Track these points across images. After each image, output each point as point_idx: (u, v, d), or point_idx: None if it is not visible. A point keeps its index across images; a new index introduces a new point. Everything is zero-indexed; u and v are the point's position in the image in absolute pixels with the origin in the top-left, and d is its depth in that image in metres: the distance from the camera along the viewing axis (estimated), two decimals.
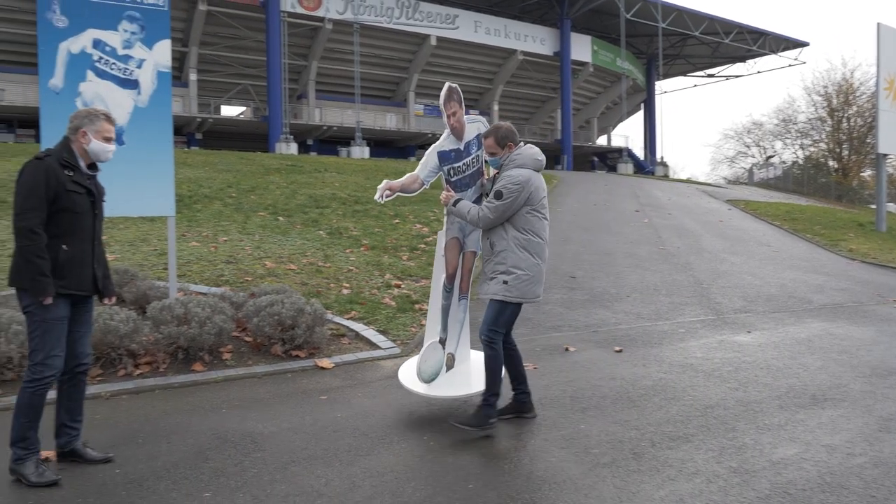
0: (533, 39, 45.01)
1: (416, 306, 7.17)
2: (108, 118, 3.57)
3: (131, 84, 5.47)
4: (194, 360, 5.24)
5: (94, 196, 3.52)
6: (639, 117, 57.99)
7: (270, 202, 12.28)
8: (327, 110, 39.64)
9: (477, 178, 4.43)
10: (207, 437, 3.94)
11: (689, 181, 39.18)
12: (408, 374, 4.49)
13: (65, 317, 3.38)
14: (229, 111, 41.72)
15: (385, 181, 4.36)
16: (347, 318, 6.61)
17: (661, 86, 55.12)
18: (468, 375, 4.51)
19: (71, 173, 3.38)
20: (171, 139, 5.80)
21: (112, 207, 5.56)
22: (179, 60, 35.61)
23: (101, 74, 5.38)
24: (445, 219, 4.48)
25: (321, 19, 36.91)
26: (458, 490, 3.27)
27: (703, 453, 3.71)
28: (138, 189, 5.51)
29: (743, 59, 52.26)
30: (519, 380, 4.29)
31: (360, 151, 33.73)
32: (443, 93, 4.32)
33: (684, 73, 57.43)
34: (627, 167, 45.07)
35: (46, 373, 3.31)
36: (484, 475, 3.44)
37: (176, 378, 5.01)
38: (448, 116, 4.32)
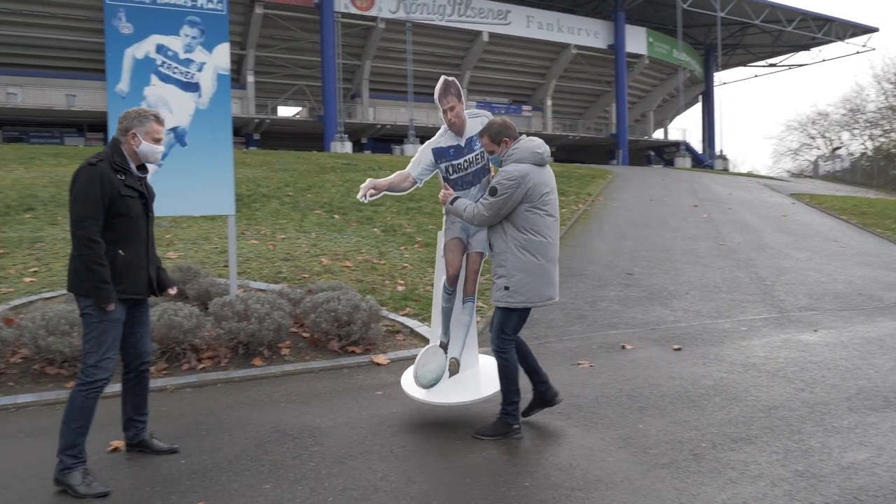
0: (586, 33, 44.37)
1: None
2: (158, 119, 3.55)
3: (192, 87, 5.63)
4: (254, 354, 5.37)
5: (146, 198, 3.53)
6: (697, 110, 56.60)
7: (326, 200, 12.47)
8: (381, 109, 40.01)
9: (482, 175, 4.24)
10: (267, 430, 4.03)
11: (749, 175, 38.02)
12: (409, 379, 4.28)
13: (121, 319, 3.39)
14: (285, 112, 42.57)
15: (369, 180, 4.19)
16: (402, 315, 6.66)
17: (719, 77, 53.74)
18: (476, 380, 4.34)
19: (123, 177, 3.38)
20: (231, 140, 5.95)
21: (175, 207, 5.79)
22: (237, 63, 36.49)
23: (165, 78, 5.55)
24: (445, 218, 4.32)
25: (374, 19, 37.26)
26: (514, 487, 3.25)
27: (768, 456, 3.60)
28: (200, 189, 5.67)
29: (807, 48, 50.33)
30: (532, 371, 4.12)
31: (414, 149, 33.87)
32: (438, 86, 4.14)
33: (744, 64, 55.68)
34: (685, 161, 44.02)
35: (99, 375, 3.29)
36: (539, 473, 3.42)
37: (237, 372, 5.15)
38: (445, 111, 4.15)
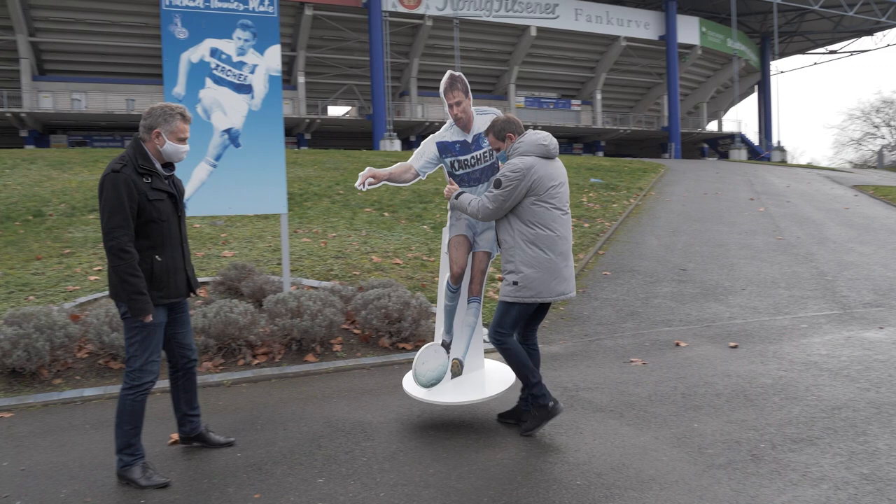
0: (636, 24, 43.55)
1: None
2: (184, 116, 3.41)
3: (245, 89, 5.75)
4: (307, 351, 5.47)
5: (176, 197, 3.44)
6: (752, 100, 54.96)
7: (376, 198, 12.59)
8: (429, 106, 40.13)
9: (491, 173, 4.14)
10: (320, 425, 4.10)
11: (809, 166, 36.72)
12: (410, 377, 4.20)
13: (162, 323, 3.38)
14: (335, 111, 43.13)
15: (369, 168, 4.15)
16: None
17: (776, 65, 52.16)
18: (481, 382, 4.24)
19: (149, 180, 3.28)
20: (283, 140, 6.06)
21: (229, 206, 5.94)
22: (288, 64, 37.14)
23: (219, 81, 5.69)
24: (449, 214, 4.24)
25: (421, 17, 37.38)
26: (567, 486, 3.23)
27: (830, 458, 3.47)
28: (253, 188, 5.80)
29: (870, 33, 48.28)
30: (527, 385, 3.91)
31: None
32: (444, 81, 4.07)
33: (802, 51, 53.79)
34: (740, 153, 42.81)
35: (145, 378, 3.32)
36: (590, 472, 3.38)
37: (290, 368, 5.25)
38: (451, 106, 4.09)
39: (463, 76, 4.14)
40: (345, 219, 10.73)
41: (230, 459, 3.58)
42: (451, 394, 4.09)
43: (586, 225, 11.40)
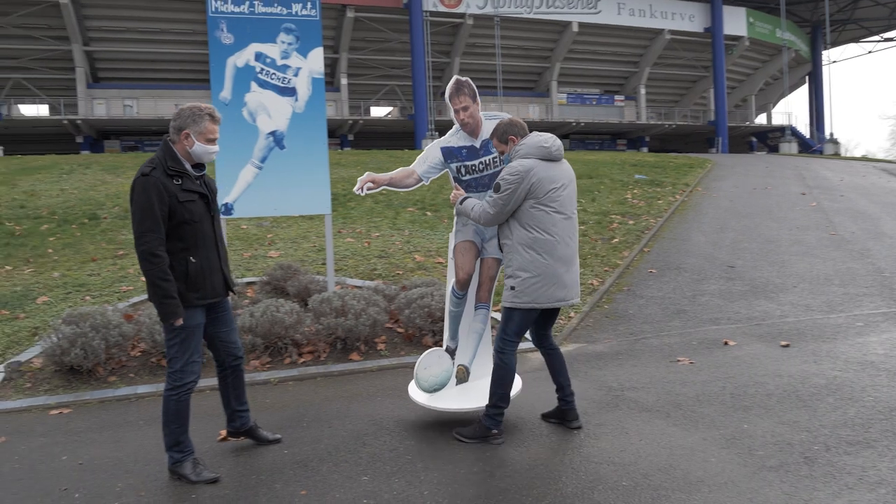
0: (681, 17, 42.71)
1: None
2: (213, 117, 3.38)
3: (289, 92, 5.85)
4: (351, 349, 5.53)
5: (208, 197, 3.42)
6: (803, 92, 53.35)
7: (418, 198, 12.64)
8: None
9: None
10: (365, 423, 4.14)
11: (864, 159, 35.43)
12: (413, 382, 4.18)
13: (201, 324, 3.39)
14: (377, 112, 43.47)
15: (368, 173, 4.14)
16: (495, 311, 6.65)
17: (828, 55, 50.51)
18: (486, 389, 4.05)
19: (180, 181, 3.27)
20: (326, 141, 6.14)
21: (275, 207, 6.04)
22: (331, 66, 37.59)
23: (263, 84, 5.80)
24: (456, 219, 4.20)
25: (462, 15, 37.39)
26: (612, 485, 3.19)
27: (889, 461, 3.35)
28: (298, 189, 5.89)
29: None
30: (559, 385, 3.95)
31: None
32: (450, 86, 4.04)
33: (856, 40, 51.97)
34: (791, 146, 41.61)
35: (187, 379, 3.35)
36: (638, 472, 3.33)
37: (335, 367, 5.31)
38: (457, 111, 4.05)
39: (470, 81, 4.09)
40: (388, 218, 10.80)
41: (277, 456, 3.64)
42: (455, 400, 4.05)
43: (631, 222, 11.24)
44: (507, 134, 3.83)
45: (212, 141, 3.36)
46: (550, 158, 3.76)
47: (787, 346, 5.66)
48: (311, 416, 4.31)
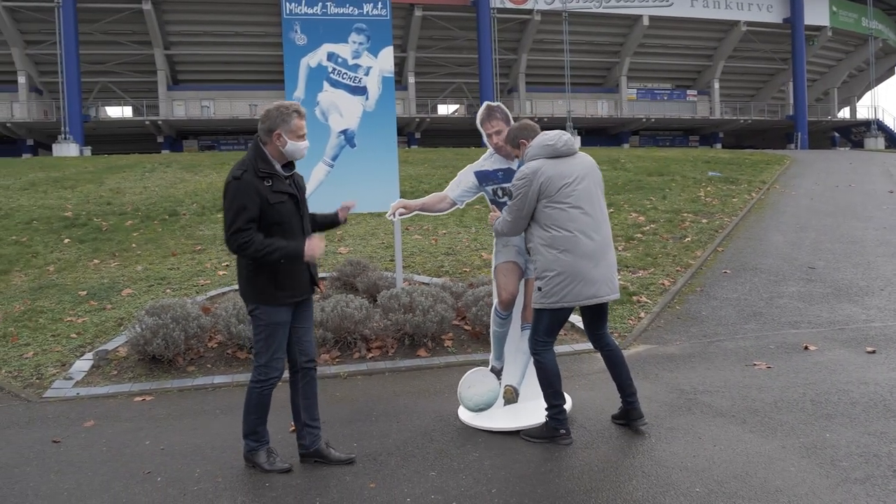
0: (758, 7, 41.14)
1: (634, 298, 6.94)
2: (300, 113, 3.38)
3: (360, 91, 5.94)
4: (419, 346, 5.58)
5: (297, 197, 3.42)
6: (891, 84, 50.58)
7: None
8: (538, 102, 39.88)
9: None
10: (432, 418, 4.18)
11: None
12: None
13: (287, 322, 3.41)
14: (444, 110, 43.67)
15: (400, 200, 4.21)
16: None
17: None
18: (538, 409, 3.91)
19: (270, 183, 3.28)
20: (395, 139, 6.21)
21: None
22: (399, 65, 38.00)
23: (335, 84, 5.91)
24: (495, 241, 4.16)
25: (530, 11, 37.15)
26: (684, 491, 3.11)
27: None
28: (368, 187, 5.97)
29: None
30: (619, 385, 3.85)
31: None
32: (481, 111, 4.03)
33: None
34: (877, 142, 39.56)
35: (271, 374, 3.40)
36: (711, 479, 3.24)
37: (403, 362, 5.38)
38: (490, 135, 4.03)
39: (502, 105, 4.12)
40: (454, 216, 10.84)
41: (347, 449, 3.70)
42: (504, 420, 3.99)
43: (704, 221, 10.91)
44: (517, 138, 3.84)
45: (302, 137, 3.37)
46: (558, 155, 3.72)
47: (873, 352, 5.37)
48: (380, 410, 4.38)
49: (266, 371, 3.40)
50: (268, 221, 3.28)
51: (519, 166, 3.90)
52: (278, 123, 3.31)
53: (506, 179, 4.09)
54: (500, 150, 4.08)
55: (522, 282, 4.14)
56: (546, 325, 3.73)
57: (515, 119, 4.16)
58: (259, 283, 3.35)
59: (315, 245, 3.37)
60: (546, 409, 3.78)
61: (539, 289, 3.66)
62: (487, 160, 4.16)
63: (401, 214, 4.24)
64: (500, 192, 4.14)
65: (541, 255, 3.66)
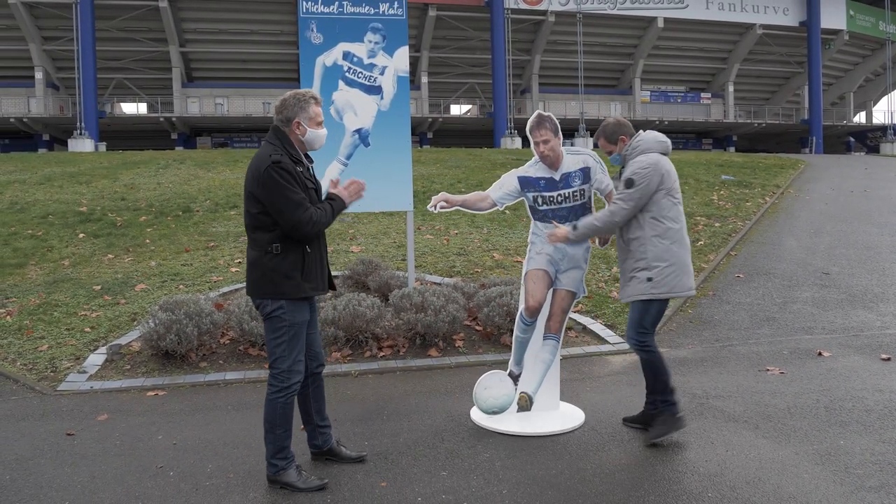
0: (774, 10, 40.84)
1: None
2: (316, 100, 3.28)
3: (375, 90, 5.94)
4: (430, 345, 5.58)
5: (318, 189, 3.34)
6: None
7: None
8: (550, 103, 39.76)
9: (580, 213, 4.05)
10: (443, 418, 4.18)
11: None
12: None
13: (307, 320, 3.28)
14: (457, 110, 43.66)
15: (443, 193, 4.20)
16: (574, 312, 6.56)
17: None
18: (550, 419, 4.03)
19: (301, 169, 3.20)
20: (409, 139, 6.22)
21: (358, 204, 6.08)
22: (412, 65, 37.97)
23: (350, 83, 5.92)
24: (529, 247, 4.15)
25: (544, 12, 37.07)
26: (697, 496, 3.09)
27: None
28: (381, 186, 5.96)
29: None
30: (654, 389, 3.85)
31: (584, 143, 33.33)
32: (532, 119, 4.03)
33: None
34: (893, 147, 39.21)
35: (294, 379, 3.22)
36: (723, 484, 3.22)
37: (414, 361, 5.38)
38: (537, 143, 4.01)
39: (552, 116, 4.10)
40: (467, 216, 10.83)
41: (359, 448, 3.71)
42: (516, 424, 3.98)
43: (717, 224, 10.85)
44: (616, 134, 3.86)
45: (320, 125, 3.27)
46: (666, 153, 3.87)
47: (888, 359, 5.33)
48: (391, 409, 4.38)
49: (289, 377, 3.21)
50: None
51: (614, 162, 3.98)
52: (297, 112, 3.21)
53: (547, 189, 4.08)
54: (546, 158, 4.06)
55: (550, 291, 4.12)
56: (654, 316, 3.80)
57: (525, 120, 4.15)
58: (281, 276, 3.14)
59: (355, 187, 3.32)
60: (661, 397, 3.81)
61: (649, 279, 3.71)
62: (532, 167, 4.14)
63: (442, 207, 4.22)
64: (539, 200, 4.11)
65: (652, 246, 3.72)
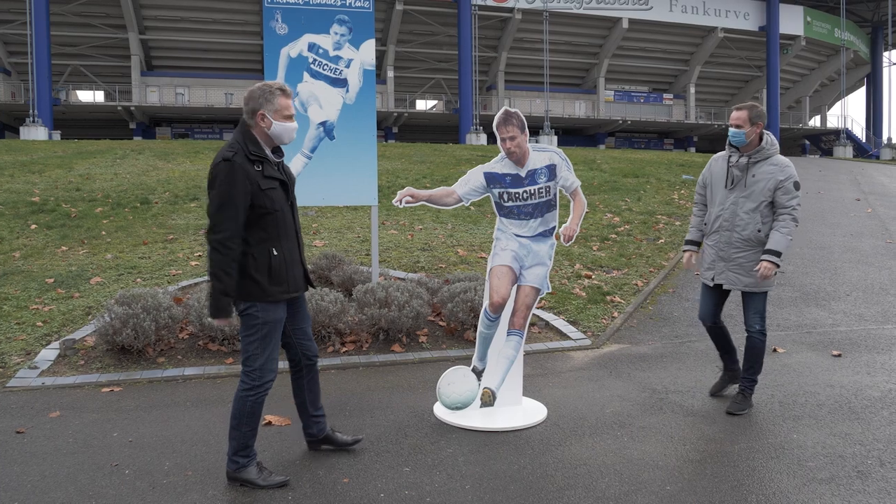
0: (735, 14, 41.70)
1: (608, 298, 7.00)
2: (285, 92, 3.15)
3: (341, 83, 5.88)
4: (393, 341, 5.56)
5: (287, 185, 3.24)
6: (860, 94, 51.60)
7: None
8: (516, 100, 39.95)
9: (545, 210, 4.09)
10: (406, 414, 4.16)
11: None
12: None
13: (282, 320, 3.22)
14: (422, 105, 43.56)
15: (408, 188, 4.18)
16: (537, 308, 6.60)
17: (888, 57, 48.67)
18: (512, 415, 4.05)
19: (260, 167, 3.07)
20: (375, 133, 6.17)
21: (322, 197, 6.09)
22: (378, 59, 37.76)
23: (315, 75, 5.84)
24: (495, 243, 4.17)
25: (511, 10, 37.19)
26: (656, 491, 3.14)
27: None
28: (345, 180, 5.92)
29: None
30: (754, 371, 4.27)
31: (548, 140, 33.59)
32: (499, 115, 4.03)
33: None
34: (846, 150, 40.41)
35: (266, 378, 3.17)
36: (683, 478, 3.28)
37: (377, 357, 5.35)
38: (504, 140, 4.02)
39: (519, 112, 4.09)
40: (431, 212, 10.81)
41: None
42: (479, 420, 3.99)
43: (677, 223, 11.04)
44: (759, 118, 4.11)
45: (289, 118, 3.15)
46: None
47: (839, 355, 5.49)
48: (354, 405, 4.35)
49: (261, 375, 3.14)
50: (259, 209, 3.05)
51: (734, 138, 4.13)
52: (262, 104, 3.09)
53: (512, 185, 4.08)
54: (512, 155, 4.06)
55: (514, 287, 4.13)
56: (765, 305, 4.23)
57: (494, 117, 4.15)
58: (248, 279, 3.08)
59: (222, 321, 3.11)
60: (752, 379, 4.24)
61: (777, 273, 4.08)
62: (498, 163, 4.13)
63: (407, 202, 4.17)
64: (504, 196, 4.11)
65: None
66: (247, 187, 3.01)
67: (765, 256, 4.01)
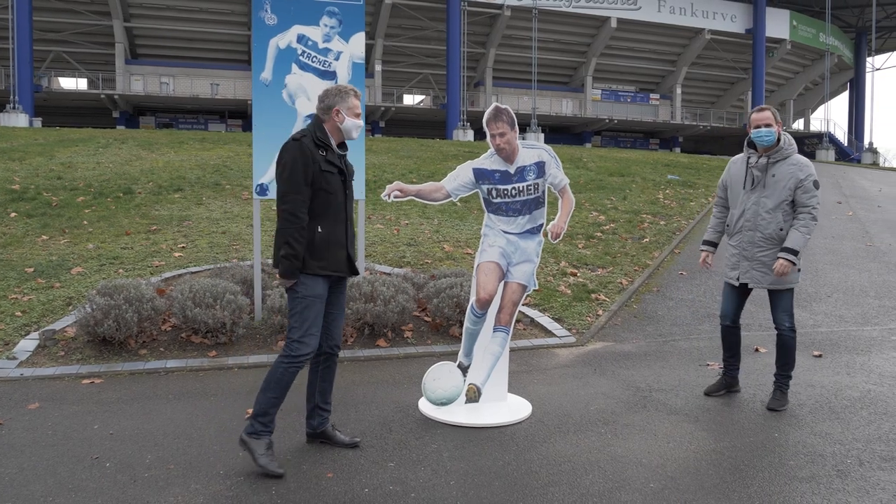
0: (722, 17, 42.00)
1: (593, 296, 7.03)
2: (356, 94, 3.54)
3: (329, 75, 5.84)
4: (379, 336, 5.54)
5: (346, 175, 3.50)
6: (843, 99, 52.18)
7: None
8: (504, 97, 39.95)
9: (534, 207, 4.11)
10: (391, 409, 4.15)
11: None
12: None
13: (323, 296, 3.37)
14: (410, 100, 43.42)
15: (397, 182, 4.19)
16: (523, 305, 6.61)
17: (872, 62, 49.07)
18: (497, 411, 4.06)
19: (324, 153, 3.37)
20: (363, 127, 6.12)
21: None
22: (366, 52, 37.41)
23: (304, 67, 5.80)
24: (483, 239, 4.17)
25: (500, 6, 37.16)
26: (639, 488, 3.16)
27: None
28: None
29: None
30: (787, 367, 4.35)
31: (536, 137, 33.62)
32: (489, 112, 4.04)
33: None
34: (828, 154, 40.80)
35: (302, 350, 3.31)
36: (666, 475, 3.30)
37: (362, 352, 5.34)
38: (493, 136, 4.02)
39: (509, 109, 4.09)
40: (417, 207, 10.79)
41: (304, 437, 3.66)
42: (465, 416, 3.99)
43: (662, 222, 11.11)
44: (778, 118, 4.25)
45: (358, 115, 3.52)
46: None
47: (819, 356, 5.55)
48: (338, 399, 4.31)
49: (297, 347, 3.31)
50: (315, 187, 3.32)
51: (758, 137, 4.21)
52: (337, 101, 3.45)
53: (501, 182, 4.07)
54: (501, 151, 4.05)
55: (501, 284, 4.13)
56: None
57: (481, 113, 4.14)
58: None
59: (288, 281, 3.33)
60: (788, 376, 4.35)
61: (799, 270, 4.19)
62: (487, 159, 4.12)
63: (396, 197, 4.16)
64: (493, 193, 4.10)
65: None
66: (309, 164, 3.30)
67: (781, 254, 4.08)
